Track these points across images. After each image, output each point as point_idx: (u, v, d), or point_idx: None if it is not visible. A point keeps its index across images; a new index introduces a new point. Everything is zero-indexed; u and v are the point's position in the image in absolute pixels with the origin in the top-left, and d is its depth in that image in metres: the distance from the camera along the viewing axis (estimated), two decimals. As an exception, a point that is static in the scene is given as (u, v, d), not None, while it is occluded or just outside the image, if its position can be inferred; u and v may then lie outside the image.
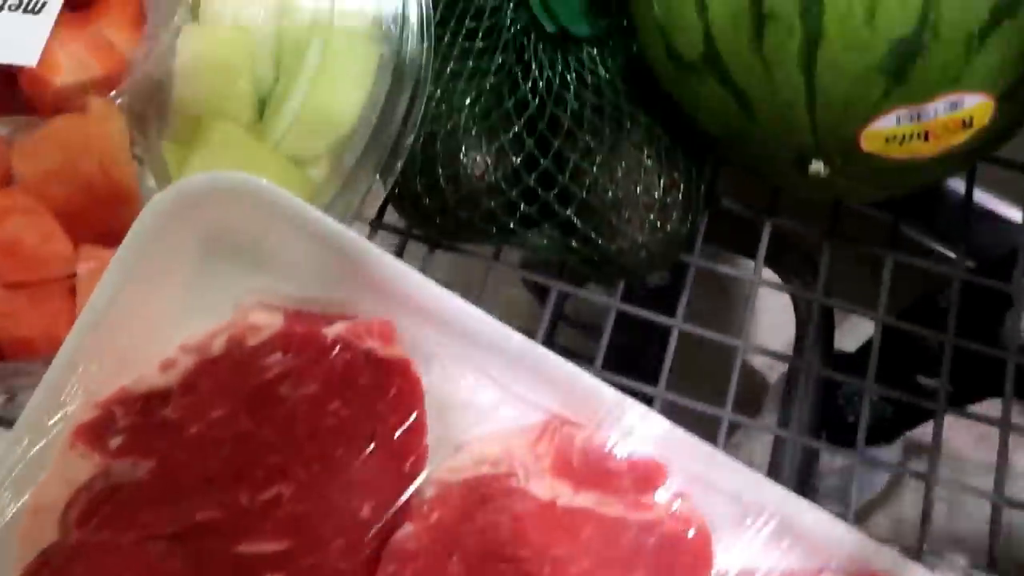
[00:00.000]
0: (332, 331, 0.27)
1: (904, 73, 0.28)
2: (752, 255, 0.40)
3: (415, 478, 0.28)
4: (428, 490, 0.28)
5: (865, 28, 0.27)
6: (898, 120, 0.30)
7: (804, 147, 0.32)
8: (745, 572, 0.30)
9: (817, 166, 0.33)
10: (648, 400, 0.36)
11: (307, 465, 0.27)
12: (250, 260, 0.29)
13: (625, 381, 0.36)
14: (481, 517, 0.28)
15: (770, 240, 0.40)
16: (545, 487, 0.29)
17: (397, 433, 0.28)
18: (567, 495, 0.29)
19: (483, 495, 0.28)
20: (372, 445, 0.28)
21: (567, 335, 0.65)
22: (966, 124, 0.30)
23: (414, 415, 0.28)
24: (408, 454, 0.28)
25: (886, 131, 0.30)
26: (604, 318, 0.39)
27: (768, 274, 0.51)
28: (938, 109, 0.29)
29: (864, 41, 0.28)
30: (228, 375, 0.27)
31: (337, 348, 0.27)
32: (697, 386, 0.39)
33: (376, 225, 0.38)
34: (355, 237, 0.28)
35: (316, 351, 0.27)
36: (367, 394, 0.28)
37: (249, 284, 0.29)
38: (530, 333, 0.30)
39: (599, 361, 0.37)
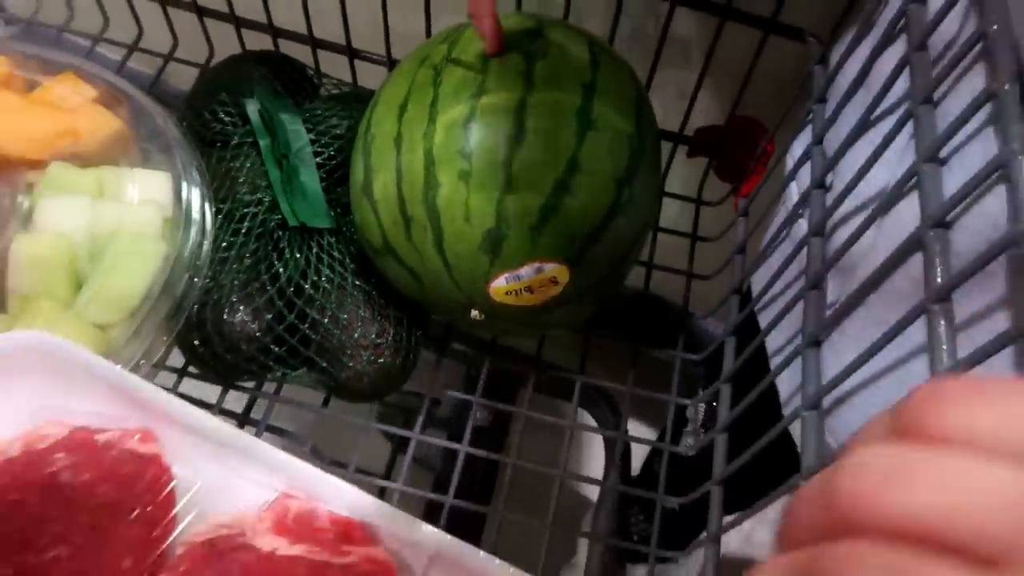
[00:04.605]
0: (103, 436, 0.39)
1: (498, 251, 0.44)
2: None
3: (165, 540, 0.39)
4: (178, 549, 0.40)
5: (466, 225, 0.43)
6: (507, 280, 0.45)
7: (461, 301, 0.47)
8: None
9: (474, 313, 0.48)
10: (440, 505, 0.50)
11: (82, 532, 0.38)
12: (49, 389, 0.41)
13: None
14: (217, 565, 0.39)
15: (585, 391, 0.56)
16: (267, 542, 0.40)
17: (150, 507, 0.39)
18: (284, 547, 0.40)
19: (220, 550, 0.40)
20: (132, 516, 0.39)
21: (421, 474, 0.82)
22: (554, 281, 0.46)
23: (164, 493, 0.39)
24: (159, 522, 0.39)
25: (503, 288, 0.46)
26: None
27: (587, 417, 0.70)
28: (529, 272, 0.45)
29: (467, 234, 0.43)
30: (22, 469, 0.38)
31: (106, 448, 0.39)
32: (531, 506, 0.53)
33: (159, 366, 0.50)
34: (124, 375, 0.41)
35: (90, 451, 0.39)
36: (129, 479, 0.39)
37: (46, 407, 0.41)
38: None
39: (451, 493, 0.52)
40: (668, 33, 0.56)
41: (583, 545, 0.98)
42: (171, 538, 0.40)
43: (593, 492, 0.95)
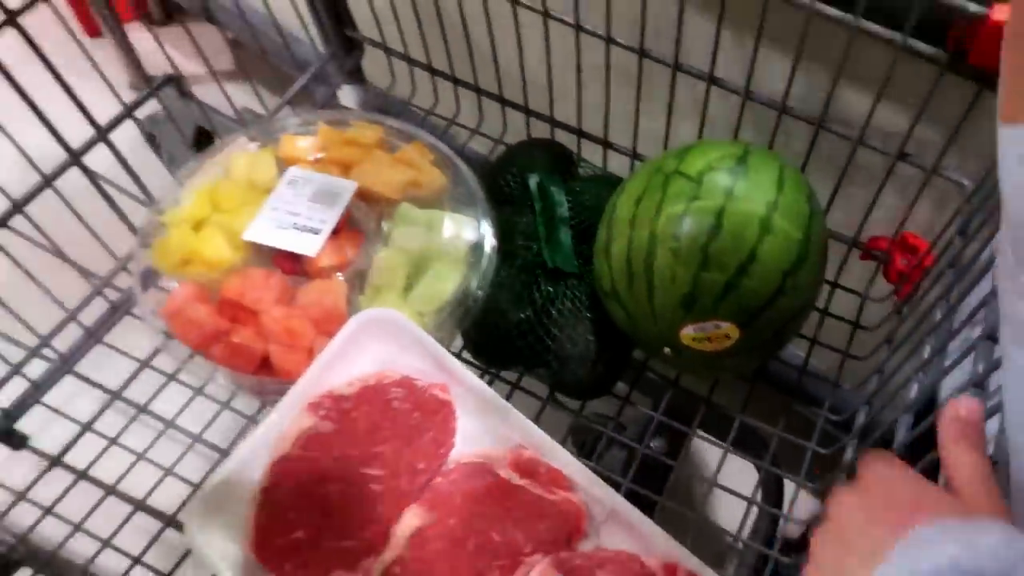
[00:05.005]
0: (419, 383, 0.63)
1: (691, 308, 0.63)
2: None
3: (446, 456, 0.62)
4: (451, 464, 0.62)
5: (671, 286, 0.63)
6: (693, 330, 0.64)
7: (658, 340, 0.66)
8: (600, 547, 0.61)
9: (667, 350, 0.67)
10: (617, 485, 0.69)
11: (399, 438, 0.61)
12: (391, 347, 0.65)
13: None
14: (473, 480, 0.61)
15: (742, 434, 0.74)
16: (505, 473, 0.62)
17: (440, 433, 0.62)
18: (515, 479, 0.61)
19: (476, 471, 0.61)
20: (428, 436, 0.62)
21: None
22: (728, 337, 0.64)
23: (449, 425, 0.62)
24: (444, 444, 0.62)
25: (690, 335, 0.64)
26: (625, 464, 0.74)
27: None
28: (710, 327, 0.63)
29: (671, 292, 0.63)
30: (372, 393, 0.62)
31: (420, 391, 0.62)
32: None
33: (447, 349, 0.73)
34: (437, 346, 0.64)
35: (411, 390, 0.62)
36: (430, 413, 0.62)
37: (387, 358, 0.65)
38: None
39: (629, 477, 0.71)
40: (853, 160, 0.72)
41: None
42: (449, 456, 0.62)
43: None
